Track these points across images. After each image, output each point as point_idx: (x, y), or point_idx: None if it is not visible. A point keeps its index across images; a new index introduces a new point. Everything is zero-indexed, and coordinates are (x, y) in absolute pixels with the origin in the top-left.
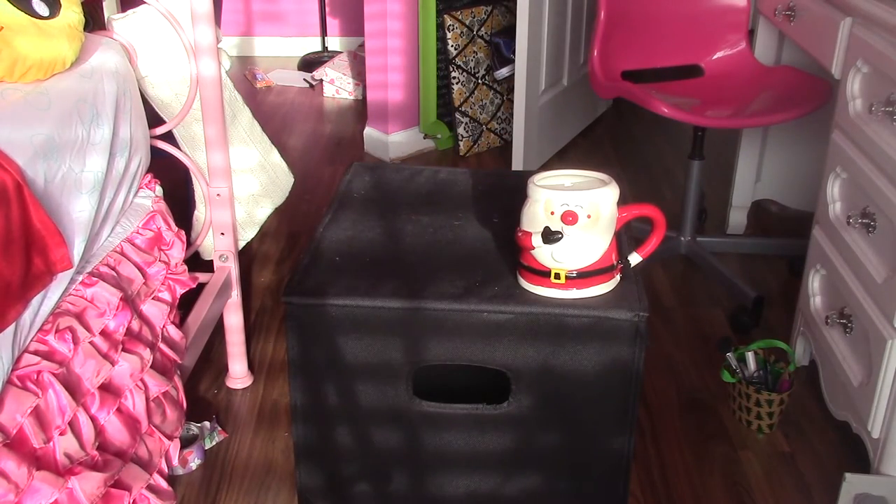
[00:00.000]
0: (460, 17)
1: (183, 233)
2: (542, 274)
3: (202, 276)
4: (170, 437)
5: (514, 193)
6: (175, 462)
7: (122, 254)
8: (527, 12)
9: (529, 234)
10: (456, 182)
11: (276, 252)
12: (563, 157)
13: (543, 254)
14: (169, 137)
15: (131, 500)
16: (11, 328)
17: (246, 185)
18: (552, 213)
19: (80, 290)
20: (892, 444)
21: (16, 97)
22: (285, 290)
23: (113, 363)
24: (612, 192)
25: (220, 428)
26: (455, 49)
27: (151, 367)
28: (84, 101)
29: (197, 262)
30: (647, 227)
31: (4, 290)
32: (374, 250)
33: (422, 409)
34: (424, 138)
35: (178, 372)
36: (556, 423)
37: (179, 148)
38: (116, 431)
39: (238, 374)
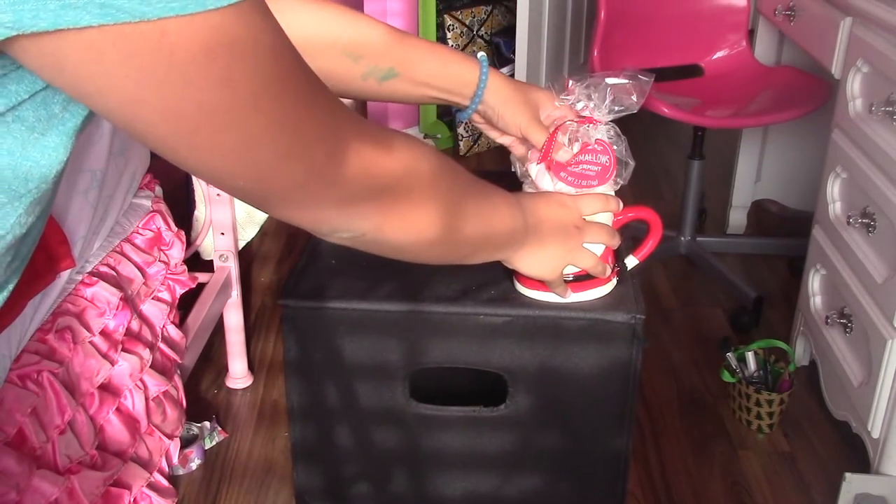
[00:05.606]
0: (460, 17)
1: (182, 233)
2: None
3: (202, 276)
4: (170, 437)
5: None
6: (175, 461)
7: (122, 253)
8: (527, 12)
9: None
10: None
11: (276, 252)
12: None
13: None
14: None
15: (132, 499)
16: (12, 326)
17: None
18: None
19: (80, 290)
20: (892, 444)
21: None
22: (282, 293)
23: (112, 363)
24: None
25: (220, 428)
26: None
27: (151, 366)
28: None
29: (197, 262)
30: (647, 227)
31: None
32: (371, 253)
33: (419, 412)
34: (424, 138)
35: (178, 371)
36: (553, 424)
37: None
38: (116, 431)
39: (238, 373)
